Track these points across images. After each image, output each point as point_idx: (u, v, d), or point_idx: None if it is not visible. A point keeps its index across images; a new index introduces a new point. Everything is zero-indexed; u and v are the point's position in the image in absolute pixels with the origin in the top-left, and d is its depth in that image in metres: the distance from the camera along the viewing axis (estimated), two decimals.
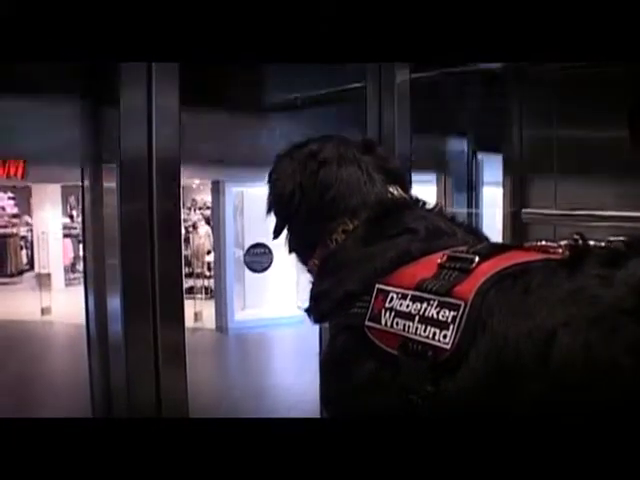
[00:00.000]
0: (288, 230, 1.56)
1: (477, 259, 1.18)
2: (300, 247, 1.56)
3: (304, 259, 1.55)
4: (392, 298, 1.23)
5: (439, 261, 1.22)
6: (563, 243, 1.19)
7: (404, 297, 1.21)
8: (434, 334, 1.14)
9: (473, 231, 1.41)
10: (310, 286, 1.49)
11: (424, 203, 1.48)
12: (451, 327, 1.12)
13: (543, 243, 1.21)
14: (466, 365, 1.10)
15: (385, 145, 2.57)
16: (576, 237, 1.18)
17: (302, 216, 1.50)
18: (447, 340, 1.12)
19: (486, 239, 1.38)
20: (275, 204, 1.56)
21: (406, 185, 1.57)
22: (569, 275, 1.07)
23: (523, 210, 2.80)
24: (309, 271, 1.53)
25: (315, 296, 1.44)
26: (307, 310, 1.48)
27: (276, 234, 1.58)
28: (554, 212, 2.71)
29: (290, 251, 1.59)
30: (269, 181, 1.59)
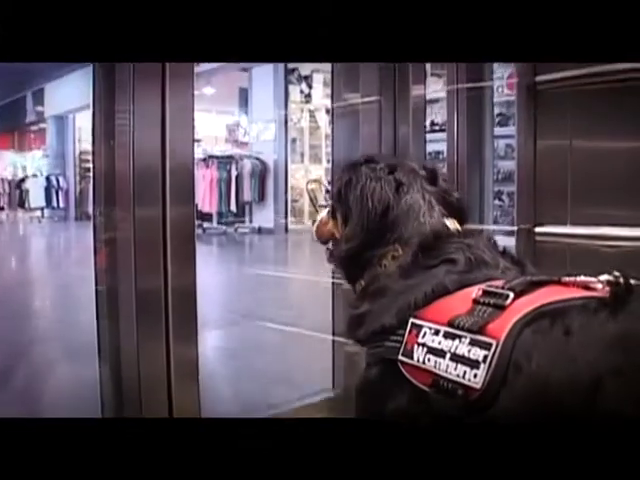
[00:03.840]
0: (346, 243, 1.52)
1: (512, 295, 1.15)
2: (352, 266, 1.52)
3: (352, 279, 1.53)
4: (425, 333, 1.20)
5: (474, 296, 1.19)
6: (603, 278, 1.16)
7: (436, 333, 1.19)
8: (465, 373, 1.12)
9: (519, 263, 1.37)
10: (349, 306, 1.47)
11: (474, 234, 1.44)
12: (482, 366, 1.09)
13: (582, 278, 1.18)
14: (497, 405, 1.07)
15: (400, 157, 2.54)
16: (617, 274, 1.15)
17: (370, 234, 1.47)
18: (478, 380, 1.09)
19: (531, 271, 1.34)
20: (362, 213, 1.47)
21: (464, 218, 1.54)
22: (612, 316, 1.04)
23: (537, 229, 2.77)
24: (355, 291, 1.51)
25: (353, 319, 1.41)
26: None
27: (351, 246, 1.50)
28: (568, 231, 2.67)
29: (338, 264, 1.57)
30: (344, 188, 1.54)
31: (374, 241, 1.46)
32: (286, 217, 13.55)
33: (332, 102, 2.79)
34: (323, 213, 1.67)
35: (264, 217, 13.74)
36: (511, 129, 4.69)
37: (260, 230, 13.64)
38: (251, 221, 14.04)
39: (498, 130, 5.03)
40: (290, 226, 13.33)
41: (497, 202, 8.29)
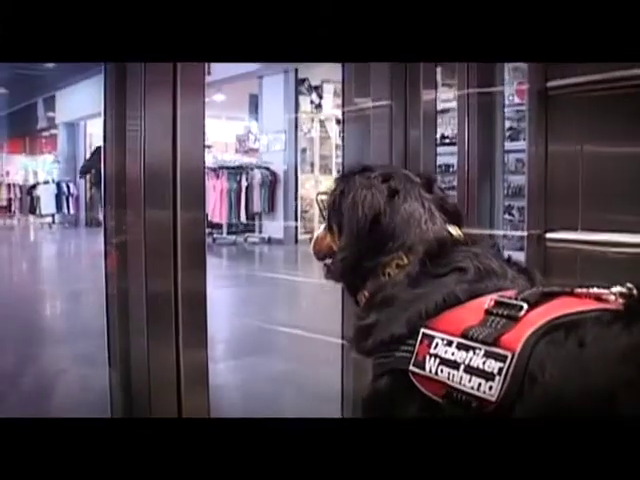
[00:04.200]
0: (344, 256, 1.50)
1: (525, 307, 1.14)
2: (352, 277, 1.50)
3: (353, 290, 1.51)
4: (437, 344, 1.19)
5: (486, 306, 1.18)
6: (616, 290, 1.15)
7: (449, 344, 1.17)
8: (479, 385, 1.11)
9: (525, 271, 1.36)
10: (355, 318, 1.45)
11: (479, 242, 1.44)
12: (497, 379, 1.08)
13: (595, 290, 1.16)
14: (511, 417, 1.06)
15: (411, 162, 2.54)
16: (630, 286, 1.14)
17: (365, 242, 1.45)
18: (493, 392, 1.09)
19: (539, 280, 1.32)
20: (352, 221, 1.47)
21: (462, 224, 1.53)
22: (626, 328, 1.03)
23: (547, 235, 2.75)
24: (357, 303, 1.50)
25: (360, 330, 1.39)
26: (350, 340, 1.46)
27: (346, 255, 1.49)
28: (579, 237, 2.66)
29: (336, 277, 1.55)
30: (338, 198, 1.53)
31: (375, 250, 1.44)
32: (296, 228, 13.54)
33: (343, 107, 2.78)
34: (320, 229, 1.65)
35: (274, 227, 13.75)
36: (522, 143, 4.68)
37: (270, 240, 13.64)
38: (261, 231, 14.04)
39: (508, 145, 5.03)
40: (300, 236, 13.33)
41: (507, 217, 8.27)
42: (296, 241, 13.37)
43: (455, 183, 3.12)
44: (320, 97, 14.10)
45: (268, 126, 14.14)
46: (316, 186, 13.57)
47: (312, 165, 14.32)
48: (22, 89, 16.91)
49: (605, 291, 1.15)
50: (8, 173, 22.29)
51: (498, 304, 1.17)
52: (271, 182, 13.78)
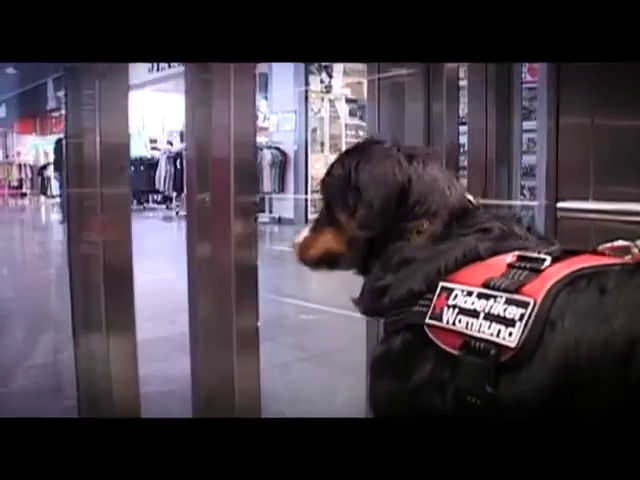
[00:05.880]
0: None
1: (549, 260, 1.14)
2: (369, 246, 1.46)
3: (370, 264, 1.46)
4: (456, 295, 1.18)
5: (508, 261, 1.18)
6: (639, 243, 1.16)
7: (469, 294, 1.16)
8: (499, 332, 1.09)
9: (545, 238, 1.35)
10: (370, 279, 1.42)
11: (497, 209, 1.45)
12: (518, 325, 1.07)
13: (618, 243, 1.17)
14: (529, 366, 1.06)
15: (434, 135, 2.54)
16: None
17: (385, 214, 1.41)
18: (512, 338, 1.07)
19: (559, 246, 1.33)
20: (379, 192, 1.41)
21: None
22: None
23: (558, 204, 2.73)
24: (369, 269, 1.46)
25: (377, 290, 1.36)
26: (357, 301, 1.43)
27: (365, 228, 1.44)
28: (590, 206, 2.64)
29: (359, 267, 1.51)
30: (353, 172, 1.47)
31: (398, 217, 1.40)
32: (306, 207, 13.54)
33: (366, 76, 2.75)
34: (305, 231, 1.59)
35: (284, 207, 13.75)
36: (533, 123, 4.66)
37: (280, 220, 13.64)
38: (271, 211, 14.04)
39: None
40: (310, 216, 13.34)
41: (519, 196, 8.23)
42: (306, 220, 13.37)
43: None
44: (330, 76, 14.05)
45: (278, 106, 14.11)
46: (326, 166, 13.50)
47: (322, 145, 14.29)
48: (32, 69, 16.90)
49: (629, 243, 1.16)
50: (19, 153, 22.37)
51: (521, 258, 1.17)
52: (281, 162, 13.77)
